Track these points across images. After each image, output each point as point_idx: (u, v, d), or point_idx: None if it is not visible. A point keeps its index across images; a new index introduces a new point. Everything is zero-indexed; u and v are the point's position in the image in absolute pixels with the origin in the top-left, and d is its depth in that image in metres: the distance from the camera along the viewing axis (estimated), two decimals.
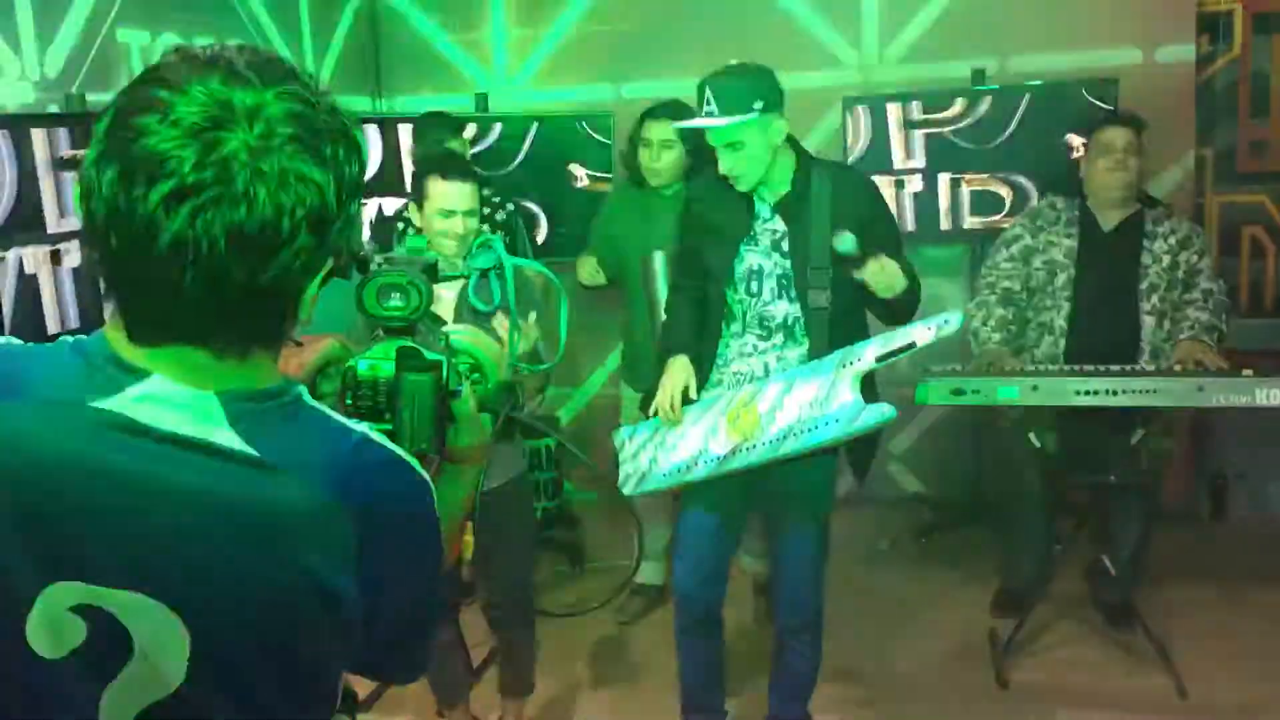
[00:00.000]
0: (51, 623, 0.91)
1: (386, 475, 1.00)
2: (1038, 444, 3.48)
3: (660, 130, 3.65)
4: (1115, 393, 3.20)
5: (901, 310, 2.73)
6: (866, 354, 2.66)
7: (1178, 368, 3.34)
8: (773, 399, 2.72)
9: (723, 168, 2.72)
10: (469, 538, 2.59)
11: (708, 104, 2.65)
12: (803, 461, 2.74)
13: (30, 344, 1.02)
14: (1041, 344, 3.63)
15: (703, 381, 2.86)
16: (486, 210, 3.54)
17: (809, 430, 2.66)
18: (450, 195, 2.68)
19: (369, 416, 1.10)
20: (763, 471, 2.78)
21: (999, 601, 3.87)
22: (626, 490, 2.95)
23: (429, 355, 1.17)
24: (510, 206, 3.80)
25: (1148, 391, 3.19)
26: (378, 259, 1.23)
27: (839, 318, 2.75)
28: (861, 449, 2.87)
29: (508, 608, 3.01)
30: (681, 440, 2.83)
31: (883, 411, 2.64)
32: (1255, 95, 4.55)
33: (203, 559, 0.92)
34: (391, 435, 1.09)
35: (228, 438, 0.92)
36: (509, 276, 2.59)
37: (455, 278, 1.38)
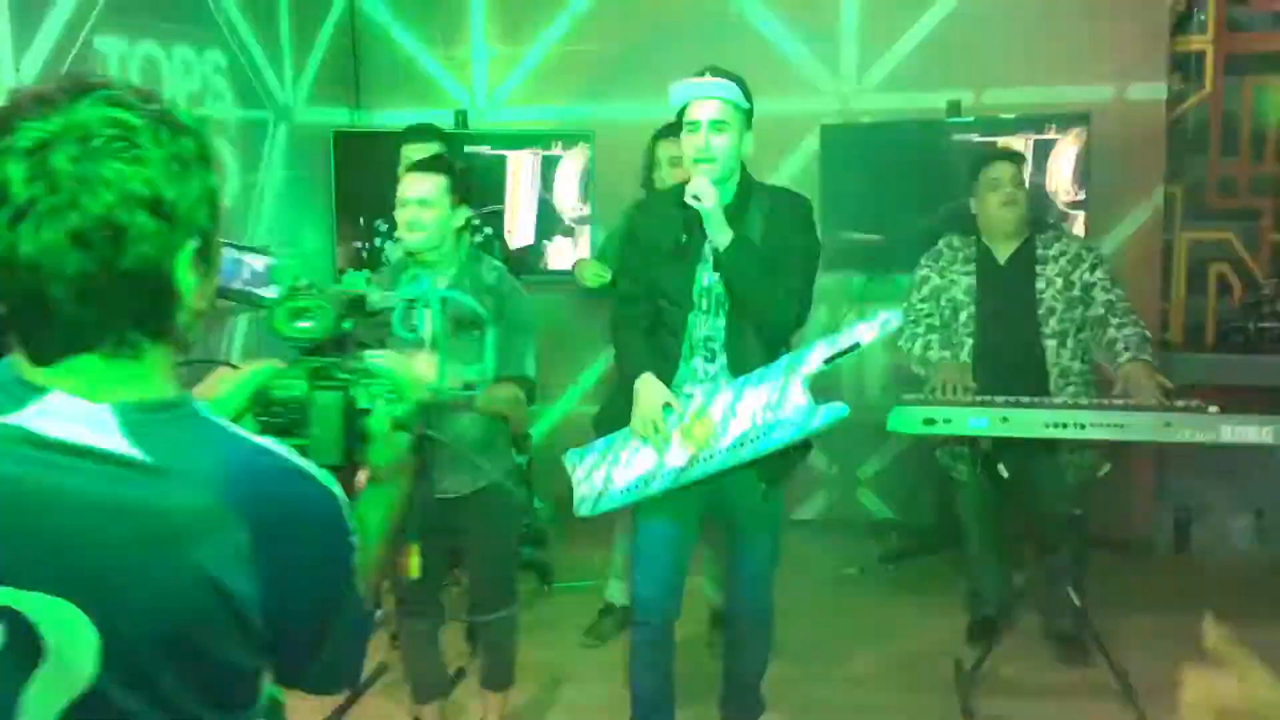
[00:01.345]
0: None
1: (282, 482, 1.07)
2: (1005, 474, 3.50)
3: (668, 149, 3.71)
4: (1084, 426, 3.23)
5: (773, 327, 2.85)
6: (813, 357, 2.76)
7: (1118, 392, 3.38)
8: (724, 407, 2.79)
9: (696, 147, 2.75)
10: (415, 559, 2.70)
11: (706, 78, 2.76)
12: (754, 470, 2.81)
13: None
14: None
15: None
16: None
17: (765, 434, 2.74)
18: (407, 185, 2.90)
19: (282, 433, 1.17)
20: (715, 481, 2.83)
21: (970, 631, 3.91)
22: (583, 512, 2.99)
23: (340, 375, 1.26)
24: (488, 230, 3.80)
25: (1116, 426, 3.22)
26: (298, 284, 1.32)
27: (757, 334, 2.84)
28: (776, 462, 2.84)
29: (491, 600, 3.12)
30: (635, 456, 2.88)
31: (838, 409, 2.73)
32: (1225, 134, 4.63)
33: (103, 560, 0.99)
34: (304, 451, 1.14)
35: (121, 445, 1.00)
36: (434, 308, 2.64)
37: (379, 312, 1.40)
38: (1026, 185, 3.82)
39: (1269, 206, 4.64)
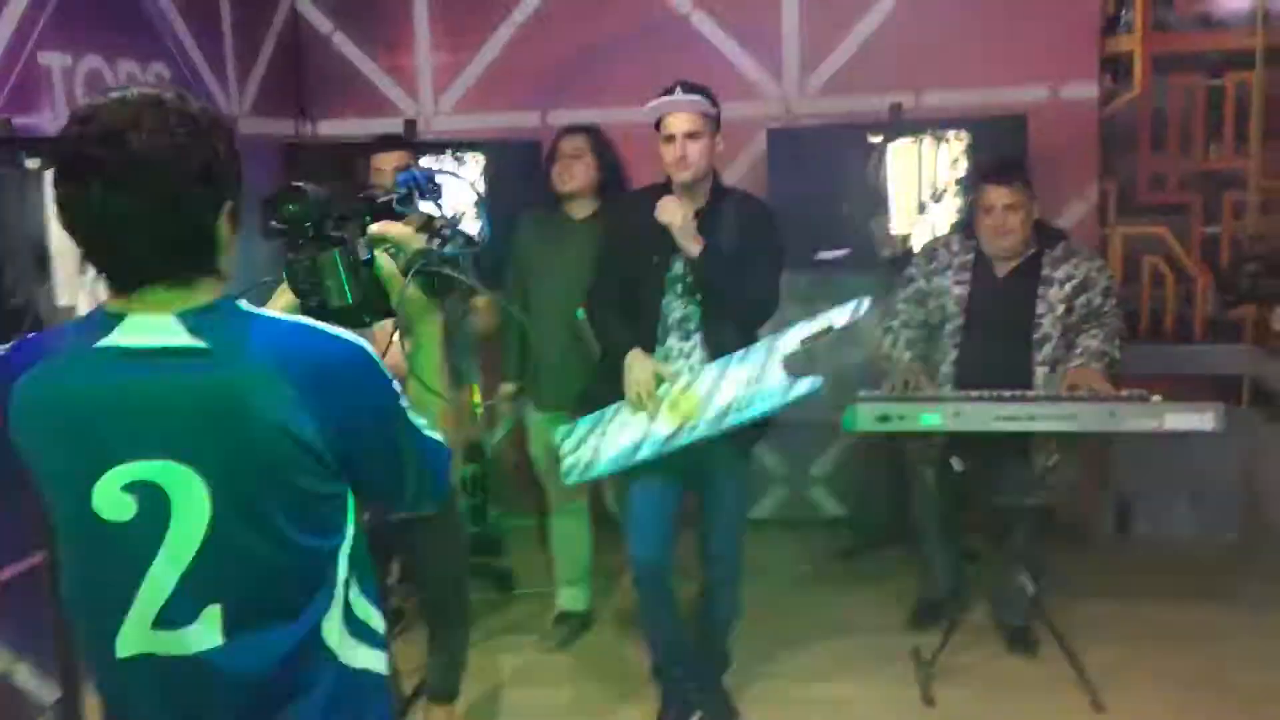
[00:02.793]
0: (111, 501, 1.33)
1: (313, 343, 1.37)
2: (959, 468, 3.58)
3: (571, 143, 3.81)
4: (1034, 418, 3.33)
5: (746, 320, 3.20)
6: (791, 339, 3.08)
7: (1065, 393, 3.45)
8: (710, 382, 3.09)
9: (674, 155, 3.06)
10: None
11: (678, 93, 3.08)
12: (731, 436, 3.10)
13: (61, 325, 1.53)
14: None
15: None
16: None
17: (747, 405, 3.04)
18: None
19: (309, 292, 1.54)
20: (695, 447, 3.11)
21: (916, 616, 4.01)
22: (570, 480, 3.27)
23: (335, 237, 1.56)
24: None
25: (1065, 417, 3.32)
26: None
27: (730, 320, 3.16)
28: (750, 428, 3.13)
29: (443, 607, 3.19)
30: (624, 428, 3.15)
31: (814, 382, 3.02)
32: (1154, 131, 4.78)
33: (196, 425, 1.31)
34: (325, 302, 1.53)
35: (187, 340, 1.32)
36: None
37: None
38: (1027, 203, 3.59)
39: (1197, 201, 4.80)
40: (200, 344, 1.32)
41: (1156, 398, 3.32)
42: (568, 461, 3.24)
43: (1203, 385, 4.28)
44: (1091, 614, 3.98)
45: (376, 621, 1.51)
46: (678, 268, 3.13)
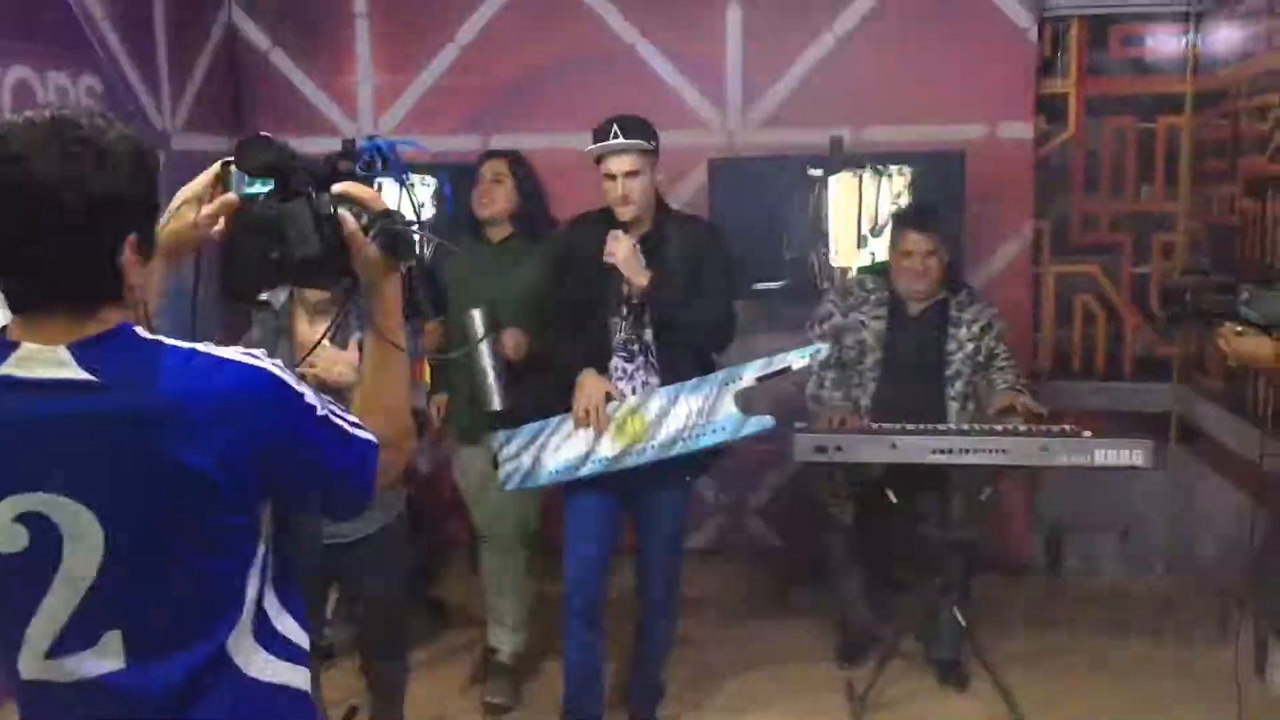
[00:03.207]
0: (3, 532, 1.30)
1: (210, 373, 1.32)
2: (894, 500, 3.60)
3: (492, 167, 3.79)
4: (968, 451, 3.35)
5: (704, 345, 3.28)
6: (747, 375, 3.16)
7: (996, 419, 3.54)
8: (659, 408, 3.15)
9: (616, 195, 3.13)
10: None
11: (615, 135, 3.12)
12: (676, 464, 3.19)
13: None
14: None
15: None
16: None
17: (697, 436, 3.13)
18: None
19: (271, 245, 1.47)
20: (639, 471, 3.18)
21: (841, 653, 4.01)
22: (509, 486, 3.28)
23: (300, 190, 1.50)
24: None
25: (998, 451, 3.35)
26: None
27: (686, 345, 3.22)
28: (699, 459, 3.26)
29: (381, 648, 3.14)
30: (566, 442, 3.19)
31: (764, 421, 3.14)
32: (1088, 173, 4.87)
33: (83, 460, 1.29)
34: (286, 254, 1.47)
35: (76, 373, 1.29)
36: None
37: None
38: (941, 248, 3.74)
39: (1128, 241, 4.89)
40: (89, 377, 1.29)
41: (1087, 433, 3.36)
42: (507, 467, 3.25)
43: (1132, 422, 4.35)
44: (1023, 648, 4.01)
45: (295, 634, 1.47)
46: (623, 290, 3.18)
